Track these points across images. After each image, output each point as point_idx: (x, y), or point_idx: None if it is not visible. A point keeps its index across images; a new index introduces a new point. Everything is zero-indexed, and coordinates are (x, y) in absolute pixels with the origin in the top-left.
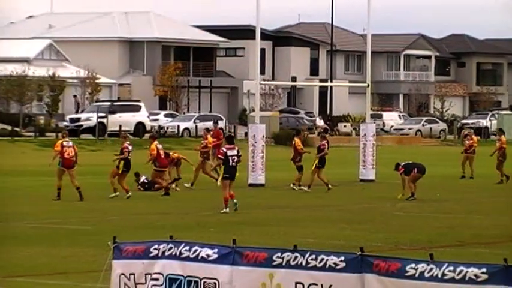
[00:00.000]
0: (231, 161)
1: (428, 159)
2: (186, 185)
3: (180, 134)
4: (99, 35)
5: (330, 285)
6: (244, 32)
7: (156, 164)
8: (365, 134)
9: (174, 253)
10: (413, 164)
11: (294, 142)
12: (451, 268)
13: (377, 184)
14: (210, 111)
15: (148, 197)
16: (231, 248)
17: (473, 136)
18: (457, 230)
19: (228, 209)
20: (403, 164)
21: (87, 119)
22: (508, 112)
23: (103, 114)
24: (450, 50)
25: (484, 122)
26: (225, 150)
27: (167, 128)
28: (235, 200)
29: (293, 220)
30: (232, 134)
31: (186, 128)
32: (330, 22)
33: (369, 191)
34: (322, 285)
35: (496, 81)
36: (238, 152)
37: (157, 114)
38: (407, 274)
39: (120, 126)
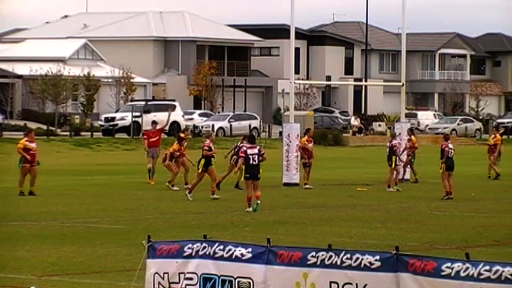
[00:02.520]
0: (251, 160)
1: (463, 158)
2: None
3: (215, 134)
4: (134, 34)
5: (365, 285)
6: (279, 32)
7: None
8: (400, 133)
9: (208, 252)
10: (446, 159)
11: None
12: (487, 267)
13: (412, 183)
14: (245, 111)
15: (183, 196)
16: (265, 247)
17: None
18: (493, 230)
19: (251, 208)
20: (443, 146)
21: (122, 119)
22: None
23: (138, 114)
24: (486, 48)
25: None
26: (245, 149)
27: (202, 127)
28: (258, 201)
29: (328, 219)
30: (255, 134)
31: (221, 127)
32: (365, 21)
33: (403, 190)
34: (357, 285)
35: None
36: (259, 151)
37: (192, 113)
38: (443, 273)
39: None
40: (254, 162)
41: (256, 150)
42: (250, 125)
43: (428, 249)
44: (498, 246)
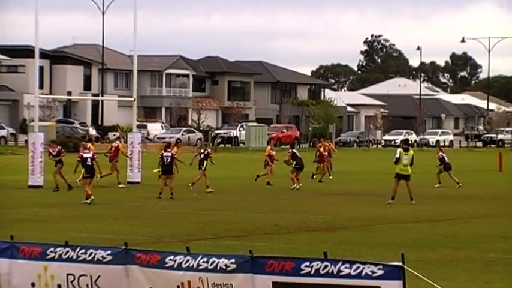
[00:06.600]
0: (89, 161)
1: (181, 165)
2: None
3: None
4: None
5: (99, 276)
6: (25, 51)
7: None
8: (132, 142)
9: None
10: (161, 165)
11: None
12: (205, 259)
13: (142, 185)
14: None
15: None
16: (9, 243)
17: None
18: (212, 225)
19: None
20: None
21: None
22: (255, 124)
23: None
24: (206, 69)
25: (234, 132)
26: (81, 154)
27: None
28: (92, 197)
29: (68, 217)
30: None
31: None
32: (101, 44)
33: (135, 191)
34: (91, 276)
35: (245, 97)
36: (93, 155)
37: None
38: (166, 265)
39: None
40: (90, 164)
41: (90, 154)
42: None
43: (157, 243)
44: (216, 239)
